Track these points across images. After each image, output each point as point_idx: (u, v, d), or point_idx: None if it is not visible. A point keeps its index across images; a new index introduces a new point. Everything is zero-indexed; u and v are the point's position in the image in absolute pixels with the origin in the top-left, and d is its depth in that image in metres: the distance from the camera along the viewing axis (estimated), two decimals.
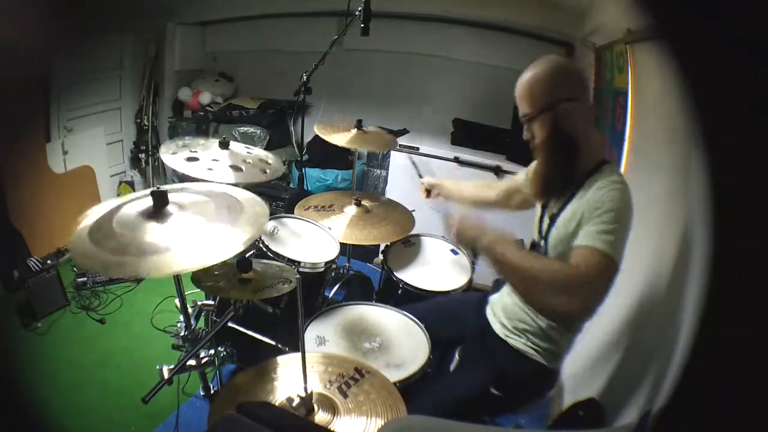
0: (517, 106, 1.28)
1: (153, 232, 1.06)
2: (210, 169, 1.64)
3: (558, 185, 1.28)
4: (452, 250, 2.09)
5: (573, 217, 1.20)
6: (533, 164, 1.41)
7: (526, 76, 1.24)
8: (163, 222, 1.09)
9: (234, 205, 1.20)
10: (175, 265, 0.99)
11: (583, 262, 1.06)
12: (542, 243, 1.33)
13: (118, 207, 1.16)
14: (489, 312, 1.52)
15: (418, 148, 3.10)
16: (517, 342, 1.37)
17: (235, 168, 1.68)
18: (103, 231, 1.08)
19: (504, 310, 1.44)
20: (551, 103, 1.19)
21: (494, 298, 1.54)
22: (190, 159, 1.66)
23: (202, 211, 1.15)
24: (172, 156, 1.66)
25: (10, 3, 2.15)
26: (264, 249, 1.75)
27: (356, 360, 1.35)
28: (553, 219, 1.29)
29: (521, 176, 1.60)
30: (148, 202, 1.13)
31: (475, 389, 1.34)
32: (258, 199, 1.26)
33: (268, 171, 1.75)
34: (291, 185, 3.67)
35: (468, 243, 1.26)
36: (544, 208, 1.37)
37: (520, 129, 1.30)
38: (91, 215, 1.14)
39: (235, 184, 1.45)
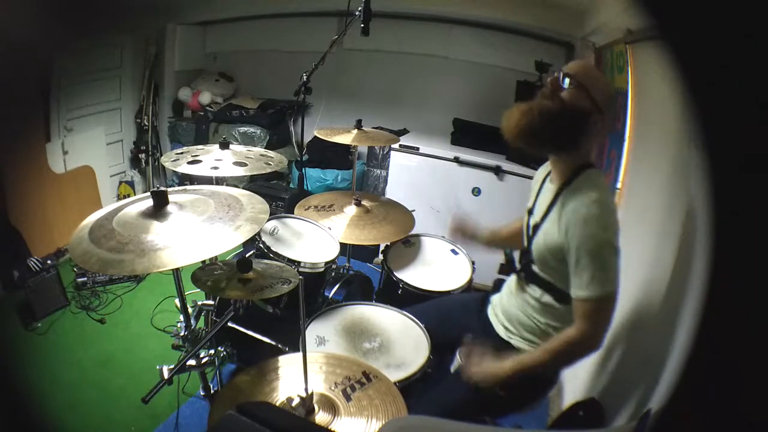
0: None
1: (152, 231, 1.07)
2: (215, 168, 1.64)
3: (539, 137, 1.21)
4: (452, 250, 2.09)
5: (552, 233, 1.23)
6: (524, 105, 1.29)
7: (599, 69, 1.23)
8: (163, 221, 1.10)
9: (234, 203, 1.21)
10: (173, 262, 1.00)
11: (584, 316, 1.17)
12: (528, 251, 1.34)
13: (119, 208, 1.17)
14: (491, 313, 1.52)
15: (418, 148, 3.10)
16: (520, 343, 1.37)
17: (240, 164, 1.69)
18: (102, 230, 1.08)
19: (505, 313, 1.44)
20: (599, 104, 1.19)
21: (495, 299, 1.53)
22: (192, 162, 1.67)
23: (203, 209, 1.16)
24: (174, 162, 1.67)
25: (12, 3, 2.15)
26: (264, 249, 1.75)
27: (365, 364, 1.34)
28: (536, 228, 1.30)
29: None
30: (149, 202, 1.14)
31: (479, 390, 1.34)
32: (258, 197, 1.28)
33: (271, 163, 1.76)
34: (291, 185, 3.67)
35: (493, 383, 1.28)
36: (529, 214, 1.38)
37: None
38: (93, 216, 1.16)
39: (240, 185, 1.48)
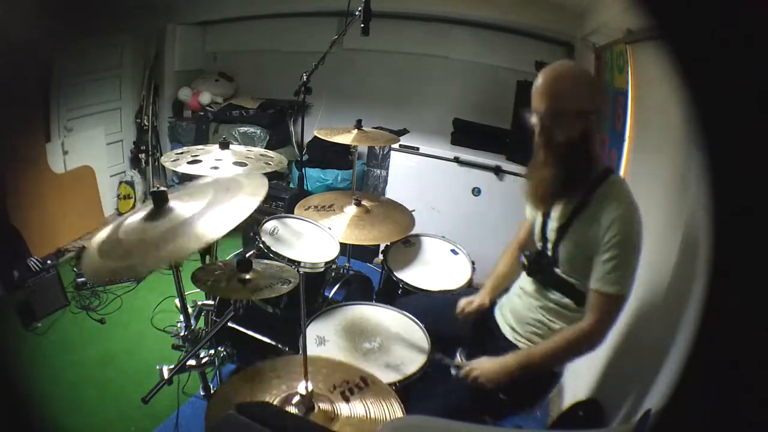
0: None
1: (155, 229, 1.07)
2: (215, 167, 1.64)
3: (566, 190, 1.26)
4: (452, 250, 2.09)
5: (585, 233, 1.22)
6: (532, 170, 1.36)
7: (564, 74, 1.20)
8: (166, 218, 1.10)
9: (233, 185, 1.20)
10: (179, 251, 1.00)
11: (599, 311, 1.20)
12: (549, 252, 1.34)
13: (123, 220, 1.17)
14: (497, 314, 1.51)
15: (418, 148, 3.10)
16: (528, 345, 1.37)
17: (240, 164, 1.69)
18: (109, 243, 1.10)
19: (514, 314, 1.44)
20: (587, 110, 1.18)
21: (503, 300, 1.53)
22: (192, 162, 1.67)
23: (201, 197, 1.15)
24: (174, 162, 1.67)
25: (12, 3, 2.15)
26: (264, 249, 1.75)
27: (362, 369, 1.34)
28: (562, 231, 1.29)
29: (528, 214, 1.52)
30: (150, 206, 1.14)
31: (483, 392, 1.34)
32: (257, 173, 1.27)
33: (271, 163, 1.76)
34: (291, 185, 3.67)
35: (501, 381, 1.26)
36: (546, 217, 1.36)
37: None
38: (98, 236, 1.17)
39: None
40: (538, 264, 1.37)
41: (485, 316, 1.54)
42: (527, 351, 1.30)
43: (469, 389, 1.34)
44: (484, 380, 1.26)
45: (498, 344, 1.42)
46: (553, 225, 1.33)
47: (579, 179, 1.24)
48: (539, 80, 1.21)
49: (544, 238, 1.37)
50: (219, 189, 1.20)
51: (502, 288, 1.58)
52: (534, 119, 1.23)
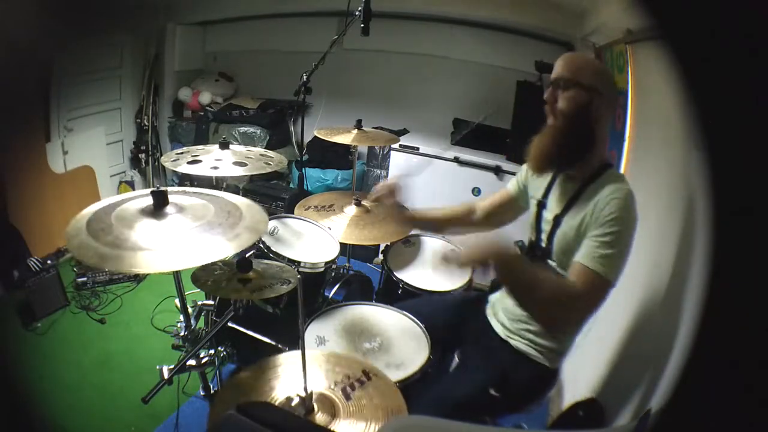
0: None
1: (150, 230, 1.05)
2: (215, 167, 1.64)
3: (559, 159, 1.28)
4: (452, 251, 2.09)
5: (581, 216, 1.22)
6: (537, 134, 1.35)
7: (581, 54, 1.34)
8: (161, 220, 1.09)
9: (234, 211, 1.18)
10: (165, 264, 0.98)
11: (579, 280, 1.14)
12: (543, 243, 1.33)
13: (119, 203, 1.16)
14: (489, 312, 1.52)
15: (418, 148, 3.10)
16: (519, 343, 1.37)
17: (240, 164, 1.69)
18: (101, 224, 1.07)
19: (505, 311, 1.44)
20: (591, 87, 1.21)
21: (494, 298, 1.53)
22: (192, 162, 1.67)
23: (201, 214, 1.14)
24: (174, 162, 1.67)
25: (12, 3, 2.15)
26: (264, 249, 1.75)
27: (365, 362, 1.33)
28: (557, 220, 1.29)
29: (512, 186, 1.56)
30: (149, 200, 1.13)
31: (475, 390, 1.34)
32: (258, 207, 1.24)
33: (271, 163, 1.75)
34: (291, 185, 3.67)
35: (478, 263, 1.18)
36: (541, 207, 1.37)
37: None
38: (92, 207, 1.14)
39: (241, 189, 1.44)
40: (531, 255, 1.36)
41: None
42: (516, 254, 1.25)
43: (465, 389, 1.34)
44: (465, 254, 1.18)
45: (491, 344, 1.43)
46: (548, 215, 1.33)
47: (573, 153, 1.25)
48: (569, 54, 1.31)
49: (538, 228, 1.37)
50: (220, 209, 1.17)
51: (426, 221, 1.64)
52: (549, 89, 1.28)
